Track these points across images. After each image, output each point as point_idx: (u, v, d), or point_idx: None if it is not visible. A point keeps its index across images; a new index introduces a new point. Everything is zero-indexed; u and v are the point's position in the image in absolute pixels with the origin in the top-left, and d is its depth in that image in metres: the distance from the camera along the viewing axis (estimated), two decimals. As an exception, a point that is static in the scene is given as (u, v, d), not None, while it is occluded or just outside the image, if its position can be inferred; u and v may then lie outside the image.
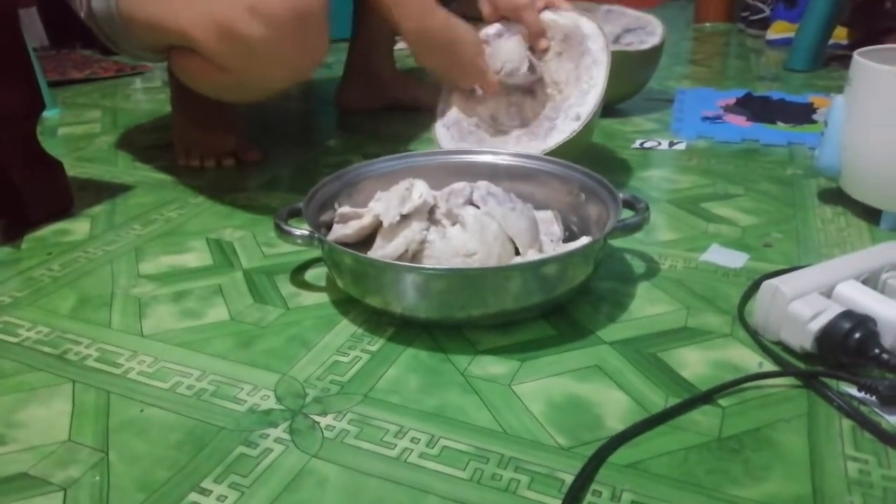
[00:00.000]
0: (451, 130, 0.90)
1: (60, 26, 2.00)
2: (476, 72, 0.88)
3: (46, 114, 1.28)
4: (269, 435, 0.49)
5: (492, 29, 0.92)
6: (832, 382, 0.53)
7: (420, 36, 0.85)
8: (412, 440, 0.48)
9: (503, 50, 0.88)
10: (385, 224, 0.63)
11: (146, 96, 1.48)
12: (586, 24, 0.89)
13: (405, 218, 0.63)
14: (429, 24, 0.85)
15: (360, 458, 0.47)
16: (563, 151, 0.81)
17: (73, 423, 0.50)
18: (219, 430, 0.49)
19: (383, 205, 0.65)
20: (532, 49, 0.92)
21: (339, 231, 0.66)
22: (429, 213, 0.65)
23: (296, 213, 0.67)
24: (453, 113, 0.91)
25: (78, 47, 2.01)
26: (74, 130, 1.23)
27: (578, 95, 0.86)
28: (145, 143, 1.15)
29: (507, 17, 0.92)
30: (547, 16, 0.92)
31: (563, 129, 0.84)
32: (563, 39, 0.91)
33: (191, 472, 0.46)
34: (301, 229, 0.64)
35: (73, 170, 0.99)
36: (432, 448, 0.47)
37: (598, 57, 0.86)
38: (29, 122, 0.83)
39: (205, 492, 0.44)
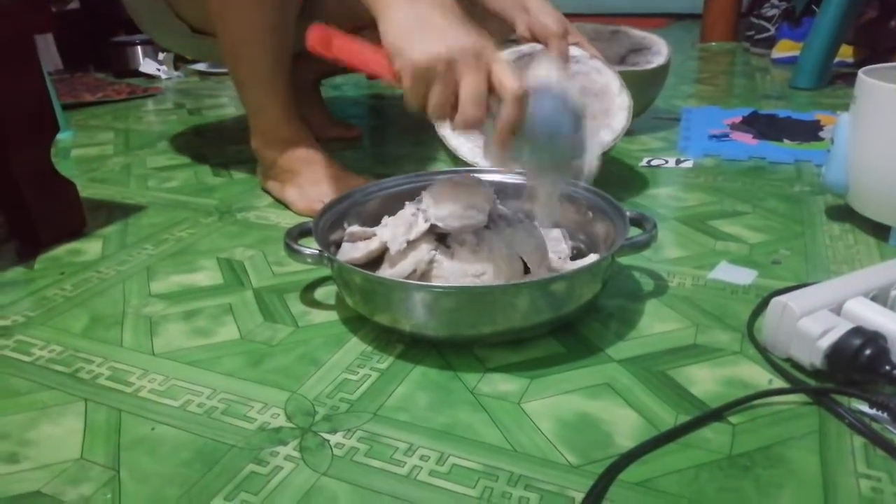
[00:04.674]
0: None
1: (74, 50, 2.04)
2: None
3: (60, 136, 1.30)
4: (279, 453, 0.49)
5: (527, 47, 0.93)
6: (843, 399, 0.52)
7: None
8: (422, 458, 0.48)
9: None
10: (392, 251, 0.63)
11: (158, 118, 1.50)
12: (625, 100, 0.91)
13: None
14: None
15: (370, 475, 0.47)
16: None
17: (85, 441, 0.51)
18: (229, 448, 0.50)
19: (390, 231, 0.65)
20: None
21: (348, 253, 0.67)
22: (437, 235, 0.65)
23: (306, 233, 0.68)
24: None
25: (91, 70, 2.04)
26: (87, 152, 1.25)
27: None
28: (157, 164, 1.17)
29: (538, 41, 0.95)
30: (603, 73, 0.94)
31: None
32: (597, 95, 0.94)
33: (201, 490, 0.46)
34: (311, 248, 0.65)
35: (85, 191, 1.00)
36: (442, 466, 0.47)
37: (615, 126, 0.88)
38: (43, 144, 0.84)
39: (215, 510, 0.44)
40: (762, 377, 0.56)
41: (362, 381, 0.57)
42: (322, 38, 0.60)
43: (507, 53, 0.91)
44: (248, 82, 0.92)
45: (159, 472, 0.48)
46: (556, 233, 0.72)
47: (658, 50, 1.23)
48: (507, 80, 0.55)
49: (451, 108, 0.58)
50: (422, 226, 0.63)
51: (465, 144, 0.88)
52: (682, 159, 1.09)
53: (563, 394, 0.54)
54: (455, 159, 0.88)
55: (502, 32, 0.99)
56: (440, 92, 0.57)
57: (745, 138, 1.19)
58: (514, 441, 0.50)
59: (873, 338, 0.52)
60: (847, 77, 1.61)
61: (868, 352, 0.51)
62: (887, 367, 0.51)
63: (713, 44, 2.26)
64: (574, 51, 0.97)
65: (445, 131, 0.90)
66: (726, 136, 1.20)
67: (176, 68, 1.96)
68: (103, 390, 0.57)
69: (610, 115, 0.91)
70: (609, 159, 1.10)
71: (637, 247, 0.65)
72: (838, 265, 0.74)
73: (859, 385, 0.53)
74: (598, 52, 0.98)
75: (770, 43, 1.98)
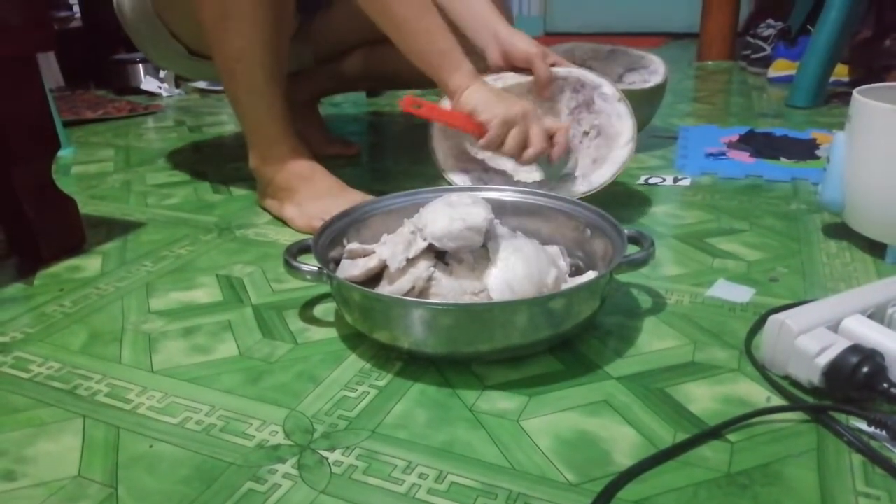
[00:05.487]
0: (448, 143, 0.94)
1: (75, 68, 2.06)
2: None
3: (61, 153, 1.31)
4: (277, 471, 0.49)
5: (499, 81, 0.93)
6: (841, 417, 0.52)
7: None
8: (420, 476, 0.48)
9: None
10: (392, 269, 0.64)
11: (158, 135, 1.51)
12: (624, 154, 0.91)
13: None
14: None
15: (368, 493, 0.47)
16: None
17: (83, 458, 0.51)
18: (227, 465, 0.50)
19: (389, 249, 0.66)
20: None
21: (347, 270, 0.67)
22: (436, 252, 0.65)
23: (305, 250, 0.68)
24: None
25: (92, 88, 2.05)
26: (88, 169, 1.25)
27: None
28: (157, 181, 1.17)
29: (518, 68, 0.95)
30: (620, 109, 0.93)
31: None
32: (607, 139, 0.93)
33: (199, 508, 0.46)
34: (310, 265, 0.65)
35: (85, 207, 1.01)
36: (440, 484, 0.47)
37: (594, 181, 0.89)
38: (44, 160, 0.84)
39: (213, 528, 0.44)
40: (760, 395, 0.56)
41: (361, 398, 0.57)
42: (413, 100, 0.85)
43: (491, 80, 0.91)
44: (244, 98, 0.92)
45: (158, 489, 0.47)
46: (555, 250, 0.73)
47: (655, 69, 1.24)
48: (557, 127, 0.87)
49: (522, 148, 0.84)
50: (420, 244, 0.64)
51: (455, 174, 0.92)
52: (679, 177, 1.10)
53: (562, 411, 0.55)
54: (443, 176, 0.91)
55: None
56: (518, 135, 0.84)
57: (742, 156, 1.20)
58: (512, 459, 0.50)
59: (870, 355, 0.52)
60: (843, 96, 1.62)
61: (865, 369, 0.51)
62: (885, 385, 0.51)
63: (710, 63, 2.28)
64: (607, 88, 0.94)
65: (436, 144, 0.93)
66: (723, 154, 1.21)
67: (177, 86, 1.97)
68: (102, 407, 0.56)
69: (607, 161, 0.91)
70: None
71: (635, 264, 0.65)
72: (835, 283, 0.74)
73: (857, 403, 0.53)
74: (576, 68, 0.97)
75: (766, 62, 2.00)
